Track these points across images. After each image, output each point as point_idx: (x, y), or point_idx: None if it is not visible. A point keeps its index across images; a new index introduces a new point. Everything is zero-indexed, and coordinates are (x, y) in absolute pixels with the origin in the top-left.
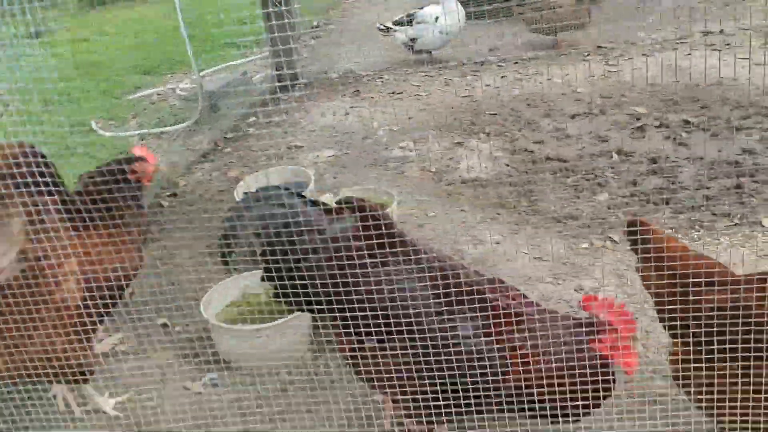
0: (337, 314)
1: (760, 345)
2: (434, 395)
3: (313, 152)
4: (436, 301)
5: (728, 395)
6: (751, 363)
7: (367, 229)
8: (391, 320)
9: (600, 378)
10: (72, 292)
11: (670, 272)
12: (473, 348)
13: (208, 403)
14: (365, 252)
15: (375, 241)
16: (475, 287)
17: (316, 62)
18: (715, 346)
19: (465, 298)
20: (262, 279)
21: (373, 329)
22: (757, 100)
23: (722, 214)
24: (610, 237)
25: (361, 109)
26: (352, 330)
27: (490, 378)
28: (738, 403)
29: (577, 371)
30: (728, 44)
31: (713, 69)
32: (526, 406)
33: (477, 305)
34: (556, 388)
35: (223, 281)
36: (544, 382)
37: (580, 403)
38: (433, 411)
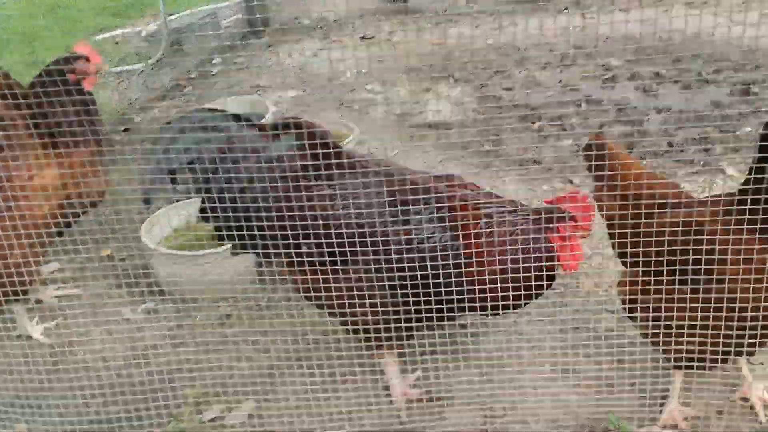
0: (287, 241)
1: (710, 265)
2: (399, 308)
3: (278, 92)
4: (389, 207)
5: (675, 320)
6: (701, 285)
7: (311, 146)
8: (350, 237)
9: (544, 270)
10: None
11: (623, 191)
12: (436, 244)
13: (142, 332)
14: (311, 172)
15: (321, 161)
16: (428, 184)
17: (288, 9)
18: (665, 267)
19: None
20: (201, 219)
21: (330, 250)
22: (730, 55)
23: (685, 161)
24: (570, 180)
25: (329, 51)
26: (305, 257)
27: (452, 270)
28: (685, 326)
29: (525, 258)
30: (705, 2)
31: (690, 26)
32: (478, 297)
33: (429, 200)
34: (509, 275)
35: (166, 207)
36: (497, 267)
37: (521, 293)
38: (396, 327)
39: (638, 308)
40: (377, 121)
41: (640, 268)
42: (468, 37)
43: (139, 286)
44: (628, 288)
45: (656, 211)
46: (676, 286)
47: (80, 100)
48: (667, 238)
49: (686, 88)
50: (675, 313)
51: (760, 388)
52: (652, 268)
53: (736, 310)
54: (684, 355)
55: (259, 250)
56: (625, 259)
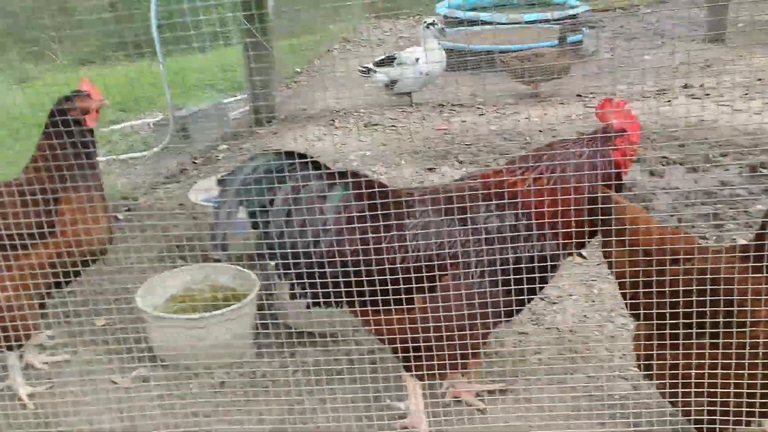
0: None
1: (729, 316)
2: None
3: None
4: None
5: (693, 374)
6: (720, 338)
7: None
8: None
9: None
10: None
11: (633, 244)
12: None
13: (133, 400)
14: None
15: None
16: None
17: (294, 101)
18: (681, 320)
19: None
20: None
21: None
22: (736, 140)
23: (698, 237)
24: (580, 253)
25: (334, 136)
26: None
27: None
28: (704, 381)
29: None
30: (708, 94)
31: (693, 115)
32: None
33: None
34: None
35: (162, 274)
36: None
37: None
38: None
39: (654, 366)
40: None
41: (655, 323)
42: (472, 123)
43: (131, 352)
44: (643, 345)
45: (669, 264)
46: (694, 340)
47: (79, 133)
48: (682, 289)
49: (693, 170)
50: (693, 368)
51: None
52: (668, 322)
53: (759, 357)
54: (704, 409)
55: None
56: (639, 316)
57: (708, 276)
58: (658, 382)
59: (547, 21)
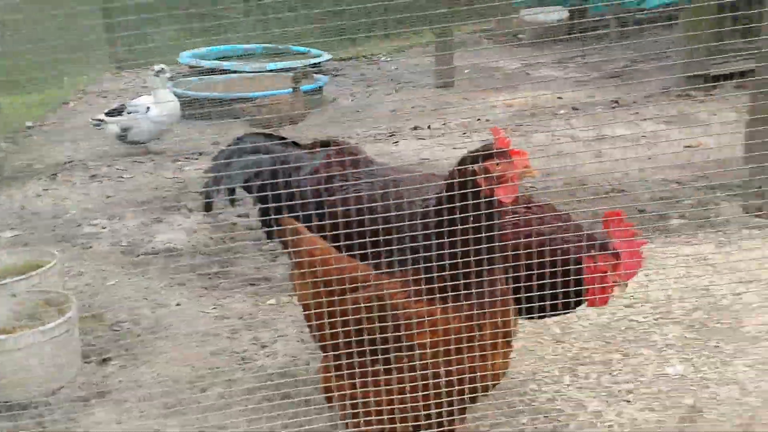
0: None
1: (397, 342)
2: None
3: None
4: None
5: (372, 401)
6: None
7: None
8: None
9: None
10: None
11: (313, 276)
12: None
13: None
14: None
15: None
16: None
17: (21, 158)
18: (359, 348)
19: None
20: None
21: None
22: None
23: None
24: None
25: (55, 191)
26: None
27: None
28: (382, 408)
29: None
30: (432, 136)
31: (417, 153)
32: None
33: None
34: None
35: None
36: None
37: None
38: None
39: (337, 397)
40: (100, 254)
41: (343, 355)
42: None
43: None
44: (332, 378)
45: (347, 291)
46: (370, 368)
47: None
48: (360, 318)
49: None
50: (371, 396)
51: None
52: (346, 351)
53: (428, 378)
54: None
55: None
56: (324, 346)
57: (380, 303)
58: (341, 413)
59: (286, 70)
